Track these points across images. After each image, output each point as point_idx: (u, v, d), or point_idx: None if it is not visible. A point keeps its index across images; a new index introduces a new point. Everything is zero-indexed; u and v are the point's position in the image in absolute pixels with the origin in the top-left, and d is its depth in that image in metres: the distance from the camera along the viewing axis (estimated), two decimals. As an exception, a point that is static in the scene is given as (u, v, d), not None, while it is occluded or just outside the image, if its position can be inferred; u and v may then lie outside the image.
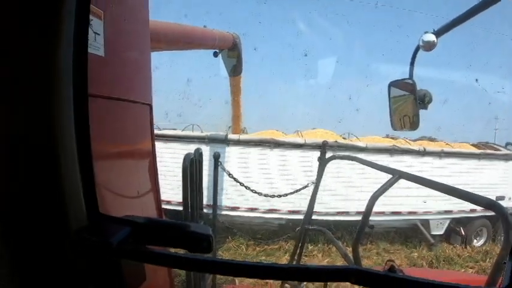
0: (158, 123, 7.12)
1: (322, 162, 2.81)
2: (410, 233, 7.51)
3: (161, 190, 1.51)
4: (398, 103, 2.18)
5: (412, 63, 2.11)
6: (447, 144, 8.41)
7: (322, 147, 3.26)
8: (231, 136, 7.00)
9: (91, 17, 0.93)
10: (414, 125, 2.09)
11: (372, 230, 6.59)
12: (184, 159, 2.69)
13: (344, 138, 8.59)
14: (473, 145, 8.66)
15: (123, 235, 0.60)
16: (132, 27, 1.27)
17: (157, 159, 1.46)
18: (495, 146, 8.68)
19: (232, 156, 6.63)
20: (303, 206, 2.97)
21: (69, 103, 0.59)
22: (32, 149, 0.57)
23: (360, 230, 2.02)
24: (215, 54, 6.97)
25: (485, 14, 1.69)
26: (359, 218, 1.98)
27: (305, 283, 3.13)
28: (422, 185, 1.70)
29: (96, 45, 0.99)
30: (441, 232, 7.33)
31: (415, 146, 7.49)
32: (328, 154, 2.94)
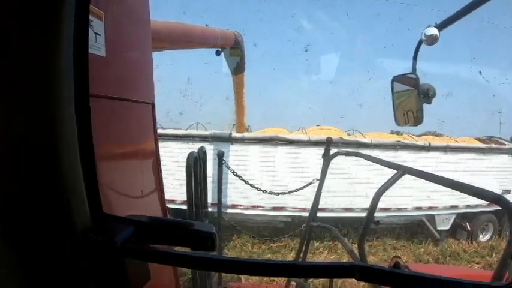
0: (161, 122, 7.14)
1: (327, 158, 2.81)
2: (416, 228, 7.49)
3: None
4: (402, 98, 2.17)
5: (414, 58, 2.10)
6: (452, 139, 8.37)
7: (327, 144, 3.25)
8: (235, 134, 7.00)
9: (91, 17, 0.93)
10: (418, 120, 2.08)
11: (378, 226, 6.57)
12: (188, 158, 2.69)
13: (348, 134, 8.57)
14: (477, 139, 8.61)
15: (127, 234, 0.60)
16: (133, 27, 1.28)
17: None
18: (500, 140, 8.62)
19: (238, 155, 6.63)
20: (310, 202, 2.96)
21: (70, 103, 0.59)
22: (33, 149, 0.57)
23: (365, 227, 2.02)
24: (217, 53, 6.97)
25: (488, 7, 1.68)
26: (365, 214, 1.98)
27: (311, 280, 3.14)
28: (427, 180, 1.69)
29: (97, 46, 0.99)
30: (447, 227, 7.29)
31: (420, 142, 7.46)
32: (333, 151, 2.93)
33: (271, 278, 4.50)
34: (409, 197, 6.62)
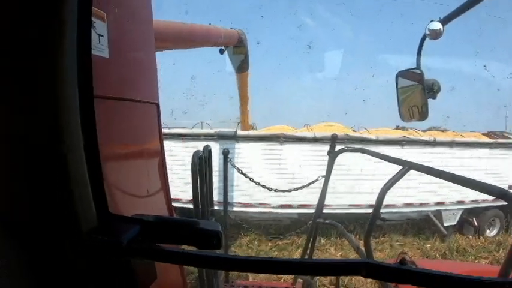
0: (166, 122, 7.15)
1: (332, 155, 2.80)
2: (423, 224, 7.46)
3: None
4: (407, 93, 2.16)
5: (419, 53, 2.09)
6: (458, 134, 8.32)
7: (332, 140, 3.24)
8: (241, 132, 7.01)
9: (94, 19, 0.93)
10: (423, 115, 2.07)
11: (385, 222, 6.56)
12: (193, 156, 2.69)
13: (354, 131, 8.54)
14: (483, 134, 8.55)
15: (133, 234, 0.61)
16: (135, 27, 1.28)
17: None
18: (505, 134, 8.56)
19: (244, 153, 6.64)
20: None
21: (74, 104, 0.59)
22: (37, 150, 0.57)
23: (371, 223, 2.02)
24: (221, 52, 6.96)
25: (492, 0, 1.66)
26: (371, 210, 1.98)
27: (318, 277, 3.14)
28: (433, 175, 1.69)
29: (101, 47, 1.00)
30: (454, 223, 7.26)
31: (425, 137, 7.41)
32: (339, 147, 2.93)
33: (278, 276, 4.51)
34: (415, 192, 6.59)
